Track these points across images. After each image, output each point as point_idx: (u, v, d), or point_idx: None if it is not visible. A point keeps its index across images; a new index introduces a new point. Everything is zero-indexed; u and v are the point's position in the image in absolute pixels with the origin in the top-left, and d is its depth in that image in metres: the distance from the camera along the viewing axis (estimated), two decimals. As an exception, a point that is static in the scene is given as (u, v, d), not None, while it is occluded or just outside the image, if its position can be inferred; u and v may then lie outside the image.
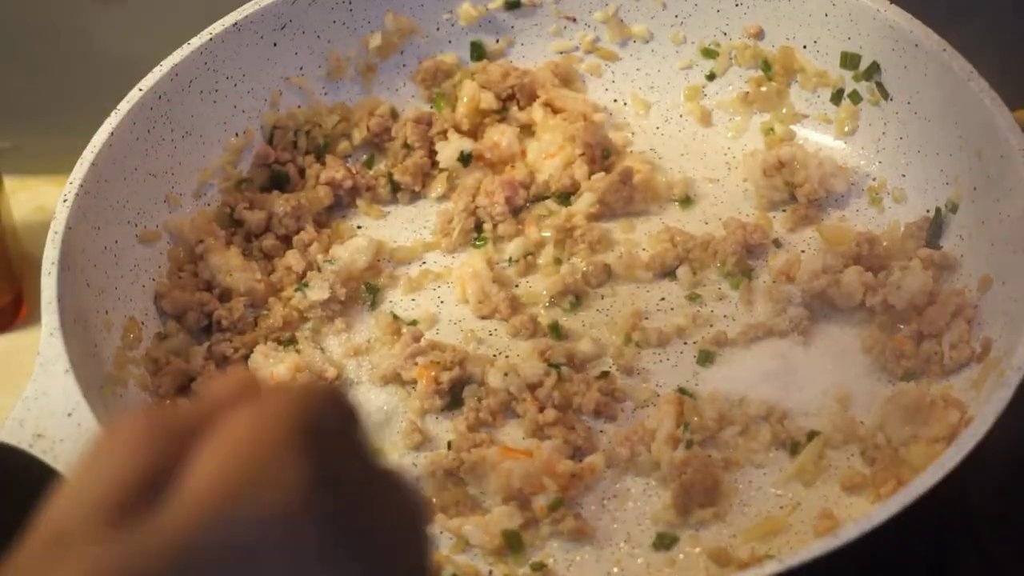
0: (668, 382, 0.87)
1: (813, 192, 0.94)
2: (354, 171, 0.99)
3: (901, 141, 0.94)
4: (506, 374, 0.87)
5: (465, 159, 0.98)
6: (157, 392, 0.87)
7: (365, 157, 1.01)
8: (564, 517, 0.81)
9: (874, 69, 0.95)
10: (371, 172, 1.00)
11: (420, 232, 0.98)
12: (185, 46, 0.94)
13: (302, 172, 0.99)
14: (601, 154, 0.98)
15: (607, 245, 0.94)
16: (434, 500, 0.83)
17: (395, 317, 0.92)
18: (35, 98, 1.11)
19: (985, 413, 0.73)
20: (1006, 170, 0.84)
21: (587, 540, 0.81)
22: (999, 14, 1.05)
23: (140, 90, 0.92)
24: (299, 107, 1.00)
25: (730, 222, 0.94)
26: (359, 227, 0.98)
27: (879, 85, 0.95)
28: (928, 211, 0.92)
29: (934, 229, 0.90)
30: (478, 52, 1.03)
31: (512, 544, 0.80)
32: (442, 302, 0.93)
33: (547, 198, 0.97)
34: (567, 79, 1.02)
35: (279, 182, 0.98)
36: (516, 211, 0.96)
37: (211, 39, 0.95)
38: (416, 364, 0.88)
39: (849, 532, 0.69)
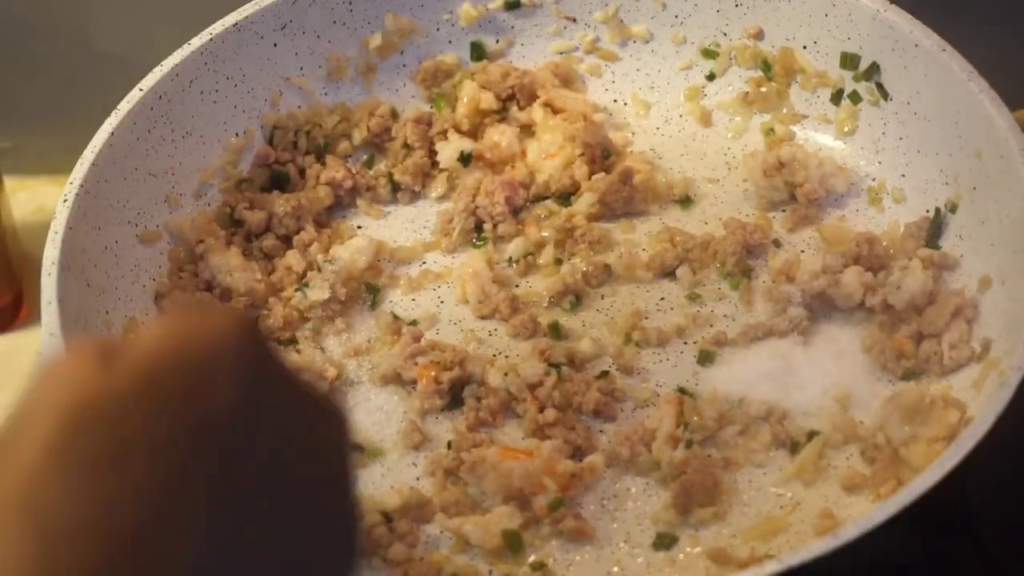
0: (668, 382, 0.87)
1: (813, 192, 0.94)
2: (354, 171, 0.99)
3: (901, 141, 0.94)
4: (506, 374, 0.87)
5: (465, 159, 0.98)
6: None
7: (365, 157, 1.01)
8: (564, 517, 0.81)
9: (874, 69, 0.95)
10: (371, 172, 1.00)
11: (420, 232, 0.98)
12: (185, 46, 0.94)
13: (302, 172, 0.99)
14: (601, 154, 0.98)
15: (607, 245, 0.94)
16: (434, 500, 0.83)
17: (395, 317, 0.92)
18: (35, 98, 1.11)
19: (985, 413, 0.73)
20: (1006, 170, 0.84)
21: (587, 540, 0.81)
22: (999, 14, 1.05)
23: (140, 90, 0.92)
24: (299, 107, 1.00)
25: (730, 222, 0.94)
26: (359, 227, 0.98)
27: (879, 85, 0.95)
28: (928, 211, 0.91)
29: (934, 229, 0.90)
30: (478, 52, 1.03)
31: (512, 544, 0.80)
32: (442, 302, 0.93)
33: (547, 198, 0.97)
34: (567, 79, 1.02)
35: (279, 182, 0.98)
36: (516, 211, 0.96)
37: (211, 39, 0.95)
38: (416, 364, 0.88)
39: (849, 532, 0.69)
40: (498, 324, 0.91)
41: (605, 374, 0.88)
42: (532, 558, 0.80)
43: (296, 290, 0.93)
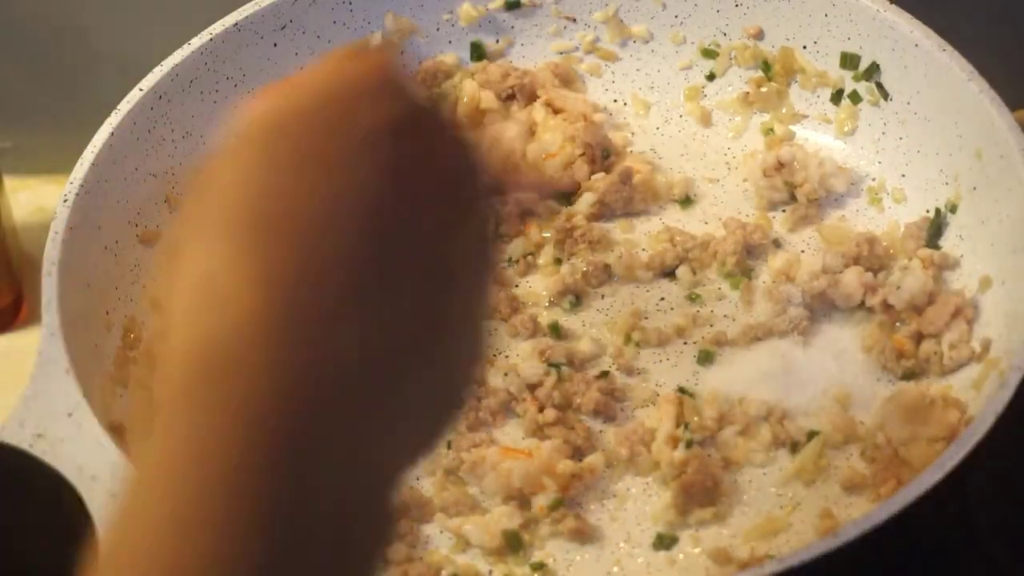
0: (668, 382, 0.87)
1: (813, 192, 0.94)
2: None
3: (901, 141, 0.94)
4: (506, 374, 0.87)
5: None
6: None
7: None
8: (564, 517, 0.81)
9: (874, 69, 0.95)
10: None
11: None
12: (185, 46, 0.94)
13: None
14: (601, 154, 0.98)
15: (607, 245, 0.94)
16: (434, 500, 0.83)
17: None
18: (35, 98, 1.11)
19: (985, 413, 0.73)
20: (1006, 170, 0.84)
21: (587, 540, 0.81)
22: (999, 14, 1.05)
23: (140, 90, 0.92)
24: (299, 107, 1.00)
25: (730, 222, 0.94)
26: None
27: (879, 85, 0.95)
28: (928, 211, 0.91)
29: (934, 229, 0.90)
30: (478, 52, 1.03)
31: (512, 544, 0.80)
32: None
33: (547, 198, 0.97)
34: (567, 79, 1.02)
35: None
36: (525, 213, 0.96)
37: (211, 39, 0.95)
38: (416, 364, 0.88)
39: (849, 532, 0.69)
40: (498, 324, 0.91)
41: (605, 374, 0.88)
42: (532, 558, 0.80)
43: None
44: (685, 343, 0.89)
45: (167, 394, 0.45)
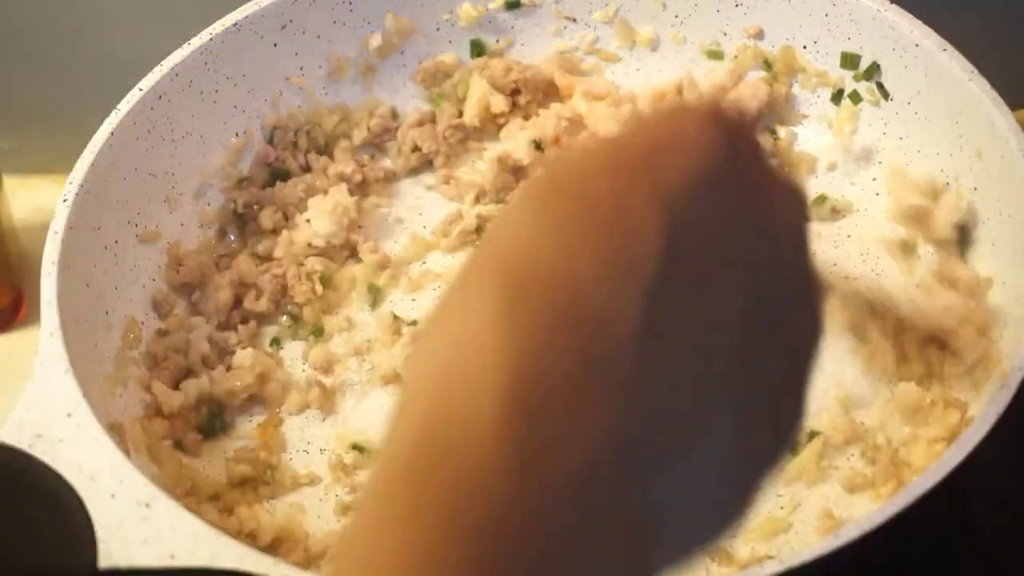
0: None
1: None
2: (363, 164, 0.99)
3: (901, 141, 0.94)
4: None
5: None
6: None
7: (366, 157, 1.01)
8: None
9: (874, 69, 0.95)
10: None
11: (421, 231, 0.98)
12: (185, 46, 0.94)
13: (305, 170, 0.99)
14: None
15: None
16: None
17: (395, 317, 0.92)
18: (35, 98, 1.11)
19: (985, 413, 0.73)
20: (1007, 170, 0.84)
21: (587, 540, 0.80)
22: (999, 14, 1.05)
23: (140, 90, 0.92)
24: (299, 107, 1.00)
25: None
26: (360, 226, 0.98)
27: (879, 85, 0.95)
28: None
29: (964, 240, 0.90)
30: (478, 51, 1.03)
31: (512, 544, 0.80)
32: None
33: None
34: (572, 72, 1.02)
35: (280, 181, 0.98)
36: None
37: (211, 39, 0.95)
38: (416, 364, 0.88)
39: (849, 532, 0.69)
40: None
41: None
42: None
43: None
44: (685, 343, 0.89)
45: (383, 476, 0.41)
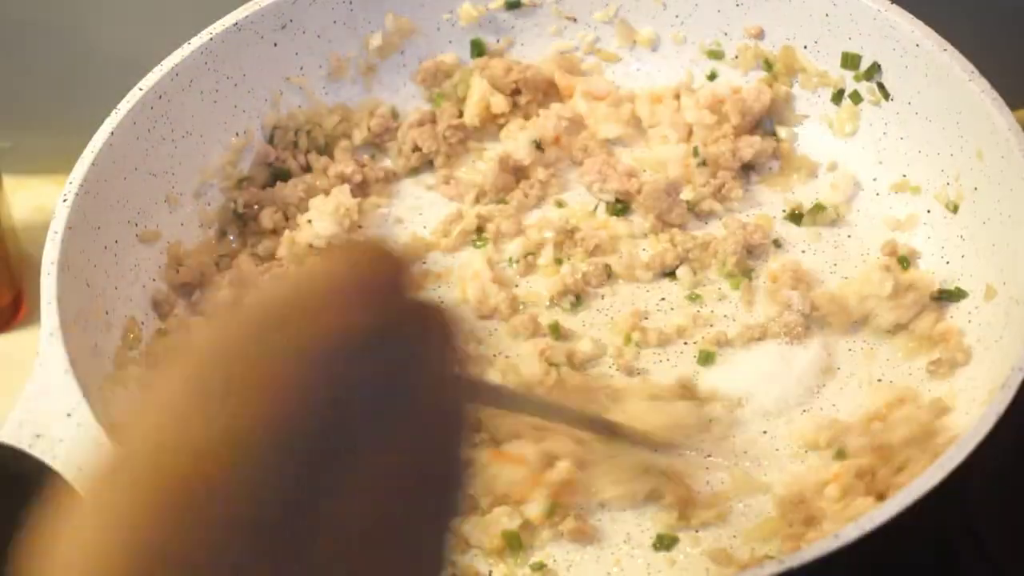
0: (668, 382, 0.87)
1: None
2: (363, 164, 0.99)
3: (902, 141, 0.94)
4: (506, 374, 0.87)
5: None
6: None
7: (366, 157, 1.01)
8: (564, 518, 0.81)
9: (875, 69, 0.95)
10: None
11: (421, 231, 0.98)
12: (185, 46, 0.94)
13: (305, 169, 0.99)
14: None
15: (610, 246, 0.94)
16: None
17: (395, 317, 0.92)
18: (35, 98, 1.11)
19: (985, 413, 0.73)
20: (1007, 170, 0.84)
21: (587, 540, 0.81)
22: (999, 14, 1.05)
23: (140, 90, 0.92)
24: (299, 107, 1.00)
25: (730, 222, 0.94)
26: (360, 227, 0.98)
27: (880, 85, 0.95)
28: (928, 211, 0.92)
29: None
30: (478, 51, 1.03)
31: (512, 544, 0.80)
32: (442, 302, 0.92)
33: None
34: (572, 71, 1.02)
35: (281, 181, 0.98)
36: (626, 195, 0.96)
37: (211, 39, 0.95)
38: (416, 364, 0.88)
39: (849, 532, 0.69)
40: (498, 324, 0.91)
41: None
42: (532, 558, 0.80)
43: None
44: (685, 343, 0.89)
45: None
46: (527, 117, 1.01)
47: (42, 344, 0.80)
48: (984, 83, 0.87)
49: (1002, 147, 0.85)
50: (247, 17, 0.96)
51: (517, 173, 0.98)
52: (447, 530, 0.49)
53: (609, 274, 0.93)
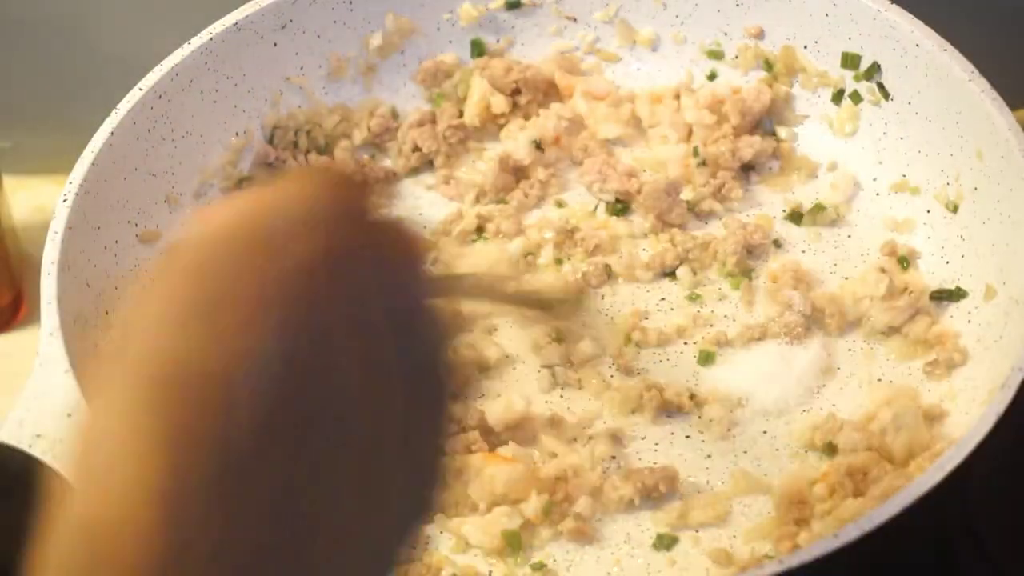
0: (668, 382, 0.87)
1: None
2: (364, 163, 0.99)
3: (902, 141, 0.94)
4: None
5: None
6: None
7: (366, 157, 1.01)
8: (564, 518, 0.81)
9: (875, 69, 0.95)
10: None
11: (421, 231, 0.98)
12: (185, 46, 0.94)
13: (304, 170, 0.99)
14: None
15: (610, 246, 0.94)
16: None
17: (395, 317, 0.92)
18: (35, 98, 1.11)
19: (985, 413, 0.73)
20: (1007, 170, 0.84)
21: (587, 540, 0.81)
22: (999, 14, 1.05)
23: (140, 90, 0.92)
24: (299, 107, 1.00)
25: (730, 222, 0.94)
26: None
27: (880, 85, 0.95)
28: (928, 211, 0.92)
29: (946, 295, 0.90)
30: (478, 51, 1.03)
31: (512, 544, 0.80)
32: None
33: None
34: (572, 71, 1.02)
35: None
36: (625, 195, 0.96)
37: (211, 39, 0.95)
38: (416, 364, 0.88)
39: (849, 532, 0.69)
40: (498, 323, 0.91)
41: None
42: (532, 558, 0.80)
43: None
44: (685, 343, 0.89)
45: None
46: (527, 117, 1.01)
47: (42, 344, 0.80)
48: (984, 83, 0.87)
49: (1002, 147, 0.85)
50: (247, 17, 0.96)
51: (517, 173, 0.98)
52: (443, 433, 0.51)
53: (609, 274, 0.93)
